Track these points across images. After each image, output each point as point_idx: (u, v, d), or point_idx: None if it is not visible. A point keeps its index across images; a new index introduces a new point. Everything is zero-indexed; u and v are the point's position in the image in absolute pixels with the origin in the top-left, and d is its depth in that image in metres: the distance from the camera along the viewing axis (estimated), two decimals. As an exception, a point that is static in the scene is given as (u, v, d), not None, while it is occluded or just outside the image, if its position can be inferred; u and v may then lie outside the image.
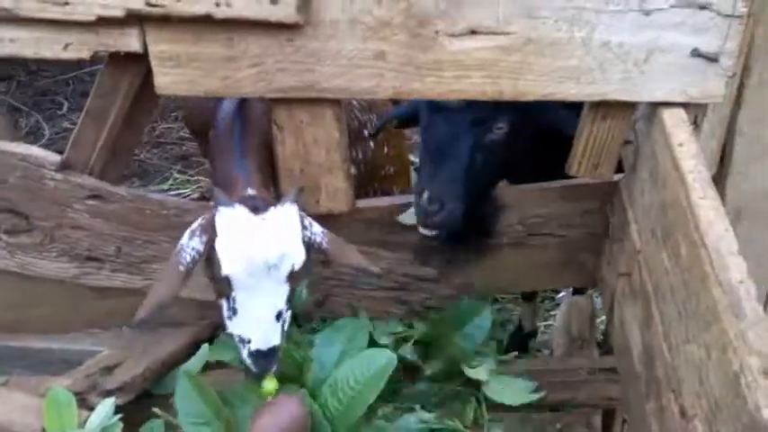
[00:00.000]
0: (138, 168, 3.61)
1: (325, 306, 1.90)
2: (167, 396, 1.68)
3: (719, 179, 1.73)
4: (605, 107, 1.51)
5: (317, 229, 1.42)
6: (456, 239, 1.71)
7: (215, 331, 1.82)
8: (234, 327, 1.38)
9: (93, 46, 1.44)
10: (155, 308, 1.29)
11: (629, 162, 1.62)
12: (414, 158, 3.35)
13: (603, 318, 2.34)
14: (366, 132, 2.03)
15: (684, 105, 1.47)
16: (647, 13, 1.37)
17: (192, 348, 1.76)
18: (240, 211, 1.33)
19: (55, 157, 1.65)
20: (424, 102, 1.62)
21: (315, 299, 1.89)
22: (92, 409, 1.52)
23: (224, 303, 1.37)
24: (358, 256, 1.45)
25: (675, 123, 1.42)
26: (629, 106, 1.52)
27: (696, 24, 1.38)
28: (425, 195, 1.56)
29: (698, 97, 1.46)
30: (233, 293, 1.34)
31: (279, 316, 1.36)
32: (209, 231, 1.33)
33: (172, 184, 3.53)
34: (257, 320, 1.35)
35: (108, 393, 1.55)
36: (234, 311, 1.36)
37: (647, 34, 1.39)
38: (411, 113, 1.76)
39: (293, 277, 1.35)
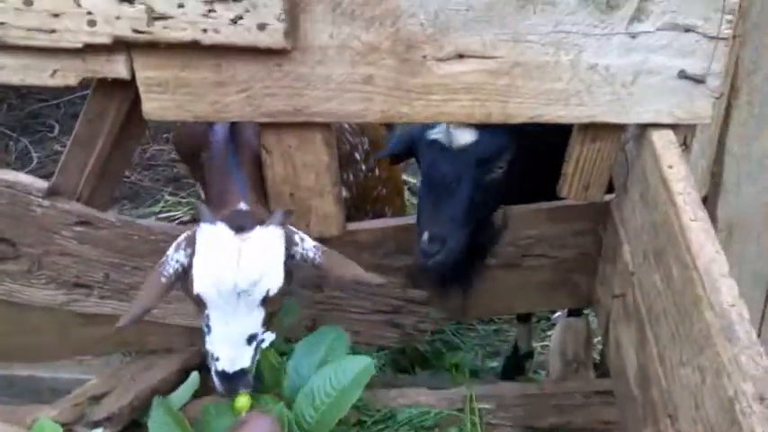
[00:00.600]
0: (129, 191, 3.59)
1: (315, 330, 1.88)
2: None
3: (711, 198, 1.73)
4: (594, 129, 1.51)
5: (309, 244, 1.40)
6: (456, 269, 1.71)
7: (205, 358, 1.80)
8: (207, 343, 1.36)
9: (81, 72, 1.43)
10: (135, 317, 1.31)
11: (620, 183, 1.61)
12: (407, 178, 3.35)
13: (599, 338, 2.33)
14: (357, 156, 2.03)
15: (673, 126, 1.47)
16: (634, 36, 1.38)
17: (182, 376, 1.73)
18: (221, 229, 1.31)
19: (42, 184, 1.64)
20: (424, 140, 1.63)
21: (305, 323, 1.87)
22: (78, 440, 1.49)
23: (202, 319, 1.36)
24: (356, 268, 1.42)
25: (664, 145, 1.42)
26: (618, 128, 1.52)
27: (682, 47, 1.39)
28: (425, 236, 1.57)
29: (686, 118, 1.46)
30: (206, 311, 1.32)
31: (251, 339, 1.33)
32: (193, 245, 1.32)
33: (163, 207, 3.51)
34: (226, 342, 1.32)
35: (95, 424, 1.52)
36: (208, 328, 1.34)
37: (634, 57, 1.40)
38: (405, 149, 1.76)
39: (269, 302, 1.32)
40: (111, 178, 1.73)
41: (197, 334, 1.71)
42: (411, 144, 1.72)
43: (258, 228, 1.33)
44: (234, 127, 1.64)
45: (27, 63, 1.43)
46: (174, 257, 1.33)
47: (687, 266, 1.20)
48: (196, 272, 1.29)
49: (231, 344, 1.32)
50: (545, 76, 1.41)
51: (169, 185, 3.65)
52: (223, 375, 1.33)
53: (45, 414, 1.56)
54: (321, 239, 1.70)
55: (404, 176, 3.04)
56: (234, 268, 1.27)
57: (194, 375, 1.70)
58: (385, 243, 1.80)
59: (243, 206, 1.42)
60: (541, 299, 1.91)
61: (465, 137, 1.58)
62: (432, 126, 1.61)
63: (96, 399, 1.62)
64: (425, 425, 1.65)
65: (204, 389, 1.75)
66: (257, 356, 1.37)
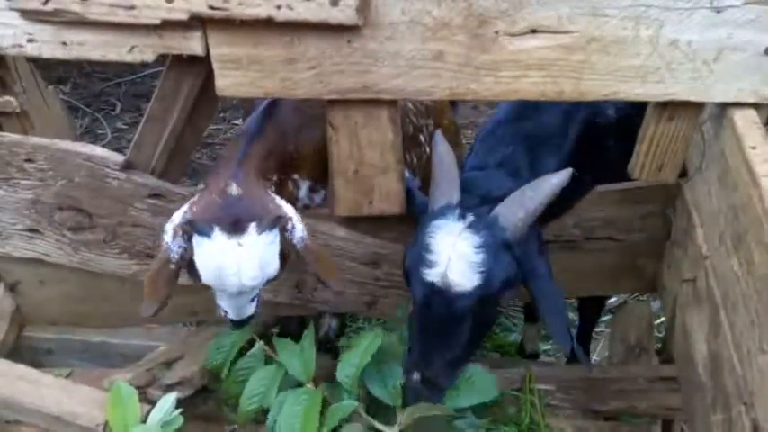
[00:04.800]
0: (188, 168, 3.69)
1: (375, 307, 1.91)
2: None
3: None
4: (672, 107, 1.46)
5: (298, 233, 1.42)
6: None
7: (267, 329, 1.85)
8: (216, 298, 1.48)
9: (157, 49, 1.47)
10: (157, 308, 1.41)
11: (695, 164, 1.56)
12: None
13: (657, 323, 2.27)
14: (422, 138, 2.02)
15: (756, 106, 1.41)
16: (719, 11, 1.32)
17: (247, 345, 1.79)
18: (216, 236, 1.32)
19: (118, 157, 1.69)
20: (418, 276, 1.39)
21: (364, 299, 1.89)
22: (152, 402, 1.56)
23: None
24: (328, 271, 1.47)
25: (746, 125, 1.37)
26: (697, 107, 1.47)
27: (770, 21, 1.32)
28: (416, 376, 1.43)
29: (771, 97, 1.40)
30: (212, 290, 1.43)
31: (253, 299, 1.48)
32: (190, 235, 1.36)
33: (220, 184, 3.59)
34: (233, 309, 1.47)
35: (168, 388, 1.59)
36: (215, 296, 1.46)
37: (718, 32, 1.34)
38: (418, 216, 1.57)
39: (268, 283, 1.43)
40: (184, 154, 1.79)
41: (261, 306, 1.77)
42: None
43: (253, 228, 1.34)
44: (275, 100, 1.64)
45: (107, 39, 1.48)
46: (176, 244, 1.37)
47: (771, 251, 1.16)
48: (201, 271, 1.36)
49: (237, 307, 1.47)
50: (622, 52, 1.36)
51: (225, 163, 3.73)
52: (234, 322, 1.51)
53: (120, 377, 1.63)
54: (383, 217, 1.72)
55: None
56: (236, 275, 1.33)
57: (258, 346, 1.75)
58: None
59: (234, 189, 1.39)
60: (604, 283, 1.87)
61: (464, 284, 1.33)
62: (426, 262, 1.37)
63: (168, 364, 1.69)
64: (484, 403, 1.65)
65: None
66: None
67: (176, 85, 1.62)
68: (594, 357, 2.47)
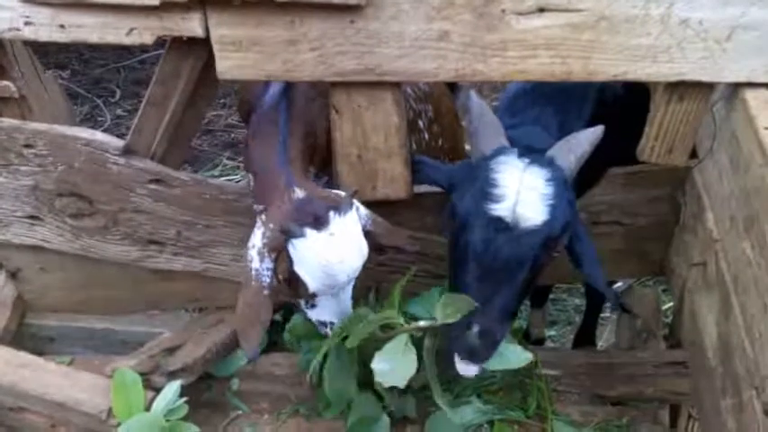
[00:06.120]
0: (189, 155, 3.66)
1: (379, 293, 1.89)
2: (228, 378, 1.71)
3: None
4: (682, 88, 1.43)
5: (362, 212, 1.46)
6: None
7: (273, 314, 1.83)
8: (314, 315, 1.46)
9: (157, 31, 1.44)
10: (258, 340, 1.37)
11: (705, 146, 1.53)
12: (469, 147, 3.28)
13: (664, 308, 2.26)
14: (421, 123, 1.99)
15: (769, 86, 1.38)
16: (732, -13, 1.29)
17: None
18: (312, 236, 1.31)
19: (118, 142, 1.67)
20: (480, 214, 1.32)
21: (368, 284, 1.87)
22: (155, 389, 1.55)
23: (301, 300, 1.44)
24: (401, 237, 1.53)
25: (759, 105, 1.34)
26: (708, 87, 1.43)
27: (785, -2, 1.29)
28: (476, 329, 1.32)
29: (785, 77, 1.37)
30: (316, 299, 1.41)
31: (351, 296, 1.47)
32: (278, 249, 1.34)
33: (222, 171, 3.58)
34: (337, 310, 1.45)
35: (171, 374, 1.58)
36: (313, 306, 1.43)
37: (731, 10, 1.31)
38: (445, 183, 1.53)
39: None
40: (184, 139, 1.76)
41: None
42: (450, 182, 1.48)
43: (334, 215, 1.33)
44: (287, 90, 1.59)
45: (105, 21, 1.45)
46: (264, 267, 1.35)
47: (785, 233, 1.14)
48: (307, 279, 1.34)
49: (340, 312, 1.45)
50: (632, 31, 1.33)
51: (227, 150, 3.71)
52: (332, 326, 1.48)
53: (123, 364, 1.62)
54: (387, 202, 1.70)
55: (467, 147, 2.98)
56: (342, 262, 1.33)
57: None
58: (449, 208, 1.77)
59: (298, 192, 1.39)
60: (611, 267, 1.84)
61: (534, 217, 1.28)
62: (492, 197, 1.31)
63: (170, 351, 1.67)
64: (490, 389, 1.64)
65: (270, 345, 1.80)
66: None
67: (176, 69, 1.59)
68: (601, 343, 2.46)
